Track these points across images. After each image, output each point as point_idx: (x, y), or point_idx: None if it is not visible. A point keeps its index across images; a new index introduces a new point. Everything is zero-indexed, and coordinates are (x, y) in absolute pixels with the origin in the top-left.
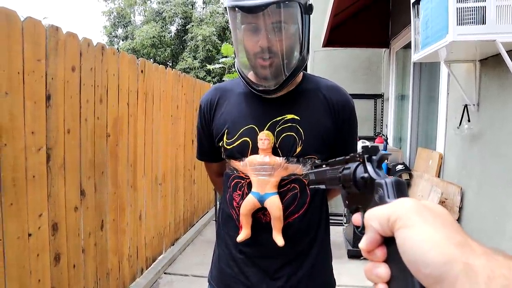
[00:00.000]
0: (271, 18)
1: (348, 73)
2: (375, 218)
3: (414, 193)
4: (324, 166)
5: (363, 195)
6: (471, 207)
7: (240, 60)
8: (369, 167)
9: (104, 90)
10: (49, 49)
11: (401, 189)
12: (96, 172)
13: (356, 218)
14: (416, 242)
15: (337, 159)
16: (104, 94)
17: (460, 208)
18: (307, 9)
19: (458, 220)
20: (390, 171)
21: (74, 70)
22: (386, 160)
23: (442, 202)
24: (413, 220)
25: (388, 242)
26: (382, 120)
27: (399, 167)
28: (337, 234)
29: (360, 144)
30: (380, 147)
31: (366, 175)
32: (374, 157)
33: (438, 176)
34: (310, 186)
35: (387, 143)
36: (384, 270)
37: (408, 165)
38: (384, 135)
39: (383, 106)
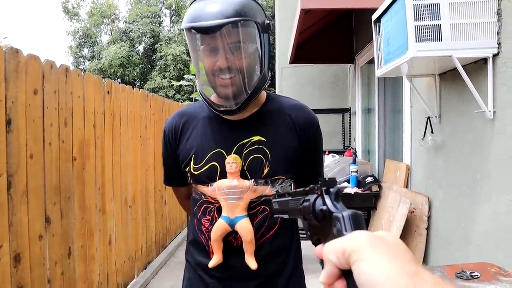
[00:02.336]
0: (228, 38)
1: (315, 88)
2: (332, 251)
3: (384, 204)
4: (286, 195)
5: (323, 227)
6: (438, 216)
7: (201, 81)
8: (327, 199)
9: (69, 112)
10: (8, 72)
11: (358, 222)
12: (62, 197)
13: (318, 250)
14: (371, 275)
15: (298, 190)
16: (69, 116)
17: (429, 217)
18: (265, 28)
19: (427, 229)
20: (360, 184)
21: (36, 93)
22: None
23: (411, 212)
24: (367, 253)
25: (347, 275)
26: (351, 133)
27: (369, 179)
28: (311, 248)
29: (330, 159)
30: (349, 161)
31: (324, 207)
32: (331, 190)
33: (406, 187)
34: (274, 215)
35: (356, 156)
36: None
37: (377, 177)
38: (353, 149)
39: (350, 120)
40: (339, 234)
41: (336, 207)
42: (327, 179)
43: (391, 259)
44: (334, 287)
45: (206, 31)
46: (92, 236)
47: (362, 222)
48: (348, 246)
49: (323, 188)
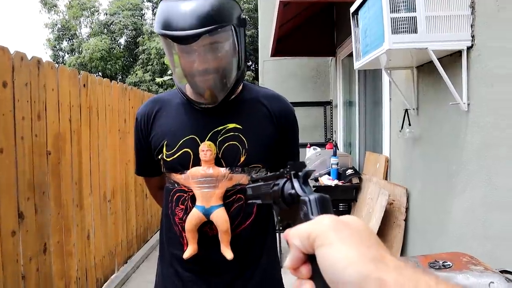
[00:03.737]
0: (204, 42)
1: (297, 81)
2: (296, 236)
3: (364, 196)
4: (260, 181)
5: (292, 212)
6: (416, 208)
7: (178, 78)
8: (295, 183)
9: (43, 106)
10: None
11: (325, 206)
12: (36, 192)
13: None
14: (333, 260)
15: (269, 174)
16: (43, 110)
17: (407, 209)
18: (241, 23)
19: (405, 220)
20: (340, 176)
21: (6, 86)
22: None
23: (390, 204)
24: (330, 238)
25: (312, 259)
26: (332, 126)
27: (349, 171)
28: None
29: (311, 151)
30: (330, 153)
31: (293, 191)
32: (300, 173)
33: (386, 179)
34: (248, 201)
35: (337, 148)
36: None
37: (357, 169)
38: (334, 141)
39: (332, 112)
40: (306, 218)
41: (304, 191)
42: (296, 163)
43: (354, 244)
44: (299, 272)
45: (181, 41)
46: (69, 231)
47: (329, 206)
48: (312, 230)
49: (292, 172)
